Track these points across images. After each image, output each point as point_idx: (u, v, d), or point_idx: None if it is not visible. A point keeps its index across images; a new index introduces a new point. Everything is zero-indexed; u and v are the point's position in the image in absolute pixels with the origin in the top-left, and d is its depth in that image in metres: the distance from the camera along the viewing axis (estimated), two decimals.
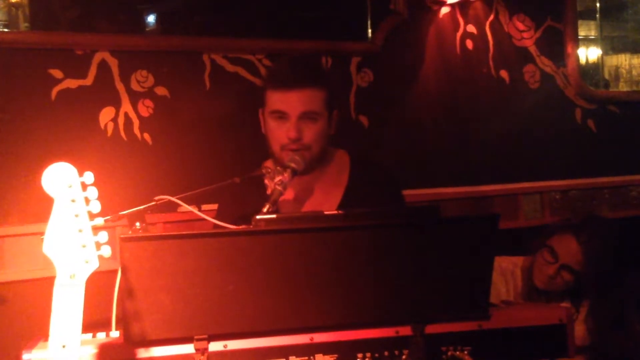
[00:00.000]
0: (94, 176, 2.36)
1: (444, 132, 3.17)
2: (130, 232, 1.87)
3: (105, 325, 1.57)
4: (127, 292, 1.39)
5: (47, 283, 1.44)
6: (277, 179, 1.95)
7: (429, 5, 3.10)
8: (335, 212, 1.46)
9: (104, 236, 1.18)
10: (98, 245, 1.18)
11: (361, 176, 2.20)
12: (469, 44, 3.22)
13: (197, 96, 2.64)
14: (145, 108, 2.54)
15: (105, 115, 2.48)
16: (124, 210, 1.99)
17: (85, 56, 2.45)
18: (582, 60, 3.75)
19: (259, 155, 2.19)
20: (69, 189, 1.17)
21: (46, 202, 2.32)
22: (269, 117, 2.09)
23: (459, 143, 3.19)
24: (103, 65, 2.47)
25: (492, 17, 3.26)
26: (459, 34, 3.19)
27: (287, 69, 2.10)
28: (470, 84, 3.22)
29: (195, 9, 2.72)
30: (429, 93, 3.14)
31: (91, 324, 1.42)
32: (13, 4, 2.54)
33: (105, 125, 2.49)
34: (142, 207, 1.92)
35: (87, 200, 1.19)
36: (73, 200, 1.17)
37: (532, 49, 3.35)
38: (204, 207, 2.59)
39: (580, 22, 3.54)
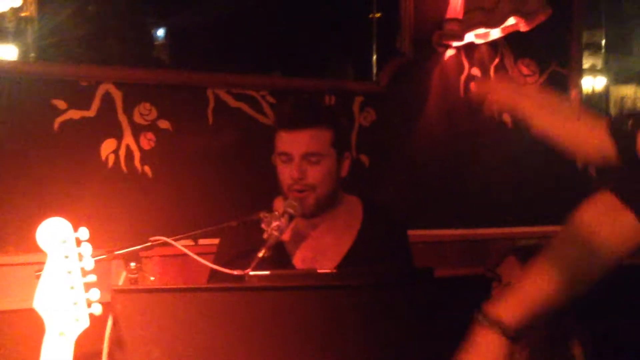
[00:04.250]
0: (95, 208, 2.38)
1: (445, 173, 3.17)
2: (124, 274, 1.88)
3: None
4: (117, 342, 1.38)
5: None
6: (274, 224, 1.95)
7: (434, 47, 3.12)
8: (329, 270, 1.46)
9: (95, 294, 1.18)
10: (89, 303, 1.18)
11: (373, 225, 2.20)
12: (473, 86, 3.22)
13: (200, 130, 2.65)
14: (147, 141, 2.55)
15: (107, 147, 2.49)
16: (120, 247, 2.01)
17: (90, 87, 2.45)
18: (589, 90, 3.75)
19: (260, 192, 2.21)
20: (62, 245, 1.17)
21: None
22: (277, 158, 2.12)
23: (459, 185, 3.19)
24: (107, 97, 2.48)
25: (497, 60, 3.27)
26: (463, 77, 3.20)
27: (291, 109, 2.13)
28: (472, 127, 3.22)
29: (201, 44, 2.74)
30: (432, 134, 3.14)
31: None
32: (22, 18, 2.55)
33: (107, 157, 2.49)
34: (137, 247, 1.92)
35: (80, 257, 1.19)
36: (66, 257, 1.17)
37: None
38: (202, 241, 2.61)
39: (586, 53, 3.53)
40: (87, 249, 1.21)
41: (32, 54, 2.52)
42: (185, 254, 2.29)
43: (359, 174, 2.95)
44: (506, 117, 3.29)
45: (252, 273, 1.45)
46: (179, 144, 2.61)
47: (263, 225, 1.98)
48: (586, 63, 3.64)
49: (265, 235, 1.95)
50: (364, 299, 1.47)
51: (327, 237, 2.16)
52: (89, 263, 1.21)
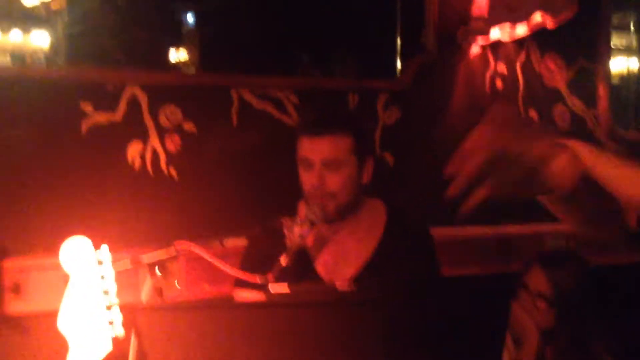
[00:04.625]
0: (121, 211, 2.42)
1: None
2: (148, 281, 1.91)
3: None
4: (140, 358, 1.41)
5: None
6: (296, 230, 1.97)
7: (459, 43, 3.10)
8: (348, 287, 1.47)
9: (118, 316, 1.21)
10: (112, 326, 1.20)
11: (396, 229, 2.20)
12: (499, 83, 3.21)
13: (225, 132, 2.67)
14: (173, 143, 2.57)
15: (134, 149, 2.52)
16: (146, 250, 2.05)
17: (116, 90, 2.48)
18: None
19: (286, 193, 2.21)
20: (85, 267, 1.19)
21: (72, 233, 2.38)
22: (299, 164, 2.12)
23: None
24: (133, 100, 2.50)
25: (523, 56, 3.25)
26: (489, 73, 3.18)
27: (313, 116, 2.14)
28: None
29: (225, 46, 2.76)
30: (457, 131, 3.12)
31: None
32: (54, 11, 2.59)
33: (133, 160, 2.52)
34: (162, 255, 1.95)
35: (102, 278, 1.21)
36: (89, 279, 1.20)
37: (563, 89, 3.33)
38: (228, 241, 2.65)
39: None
40: (108, 270, 1.23)
41: (63, 47, 2.57)
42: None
43: (383, 173, 2.96)
44: (533, 114, 3.28)
45: (273, 290, 1.46)
46: (204, 146, 2.63)
47: (285, 231, 2.00)
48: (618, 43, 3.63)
49: (287, 241, 1.97)
50: (385, 313, 1.48)
51: (349, 241, 2.16)
52: (111, 285, 1.24)
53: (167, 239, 2.50)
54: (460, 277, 3.01)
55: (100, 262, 1.24)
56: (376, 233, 2.18)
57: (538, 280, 2.41)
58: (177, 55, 2.86)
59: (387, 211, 2.23)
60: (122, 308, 1.33)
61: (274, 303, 1.45)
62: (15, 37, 2.57)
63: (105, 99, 2.47)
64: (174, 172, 2.58)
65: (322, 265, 2.14)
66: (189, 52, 2.88)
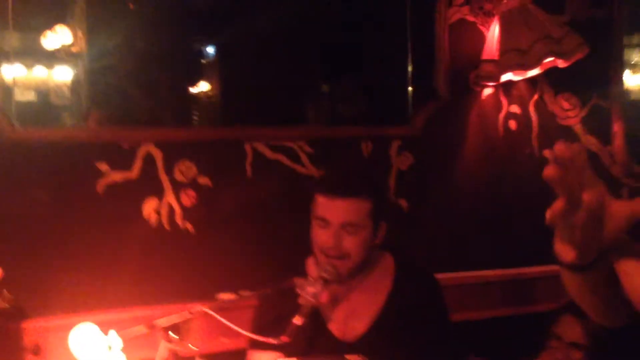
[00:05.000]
0: (139, 267, 2.44)
1: (486, 213, 3.16)
2: (163, 345, 1.93)
3: None
4: None
5: None
6: (310, 290, 1.99)
7: (471, 86, 3.11)
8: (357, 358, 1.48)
9: None
10: None
11: (405, 283, 2.22)
12: (512, 124, 3.21)
13: (239, 184, 2.70)
14: (188, 197, 2.60)
15: (149, 205, 2.55)
16: (162, 309, 2.07)
17: (131, 149, 2.52)
18: None
19: (300, 244, 2.22)
20: (94, 352, 1.21)
21: (90, 293, 2.41)
22: (314, 220, 2.14)
23: (501, 224, 3.18)
24: (148, 157, 2.54)
25: (536, 96, 3.25)
26: (502, 115, 3.19)
27: (335, 177, 2.15)
28: (513, 165, 3.21)
29: (236, 99, 2.80)
30: (471, 174, 3.14)
31: None
32: (73, 53, 2.65)
33: (149, 216, 2.55)
34: (175, 317, 1.97)
35: None
36: None
37: (577, 128, 3.33)
38: (243, 292, 2.66)
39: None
40: (118, 354, 1.25)
41: (85, 84, 2.65)
42: (227, 310, 2.33)
43: (398, 219, 2.97)
44: (547, 154, 3.27)
45: None
46: (219, 199, 2.66)
47: (298, 290, 2.02)
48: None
49: (300, 301, 1.99)
50: None
51: (359, 297, 2.18)
52: None
53: (185, 292, 2.56)
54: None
55: (109, 348, 1.26)
56: (384, 288, 2.20)
57: (572, 330, 2.37)
58: (197, 88, 2.91)
59: (395, 264, 2.24)
60: None
61: None
62: (38, 73, 2.62)
63: (121, 158, 2.50)
64: (189, 226, 2.61)
65: (334, 323, 2.15)
66: (210, 87, 2.92)
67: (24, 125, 2.39)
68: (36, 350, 2.35)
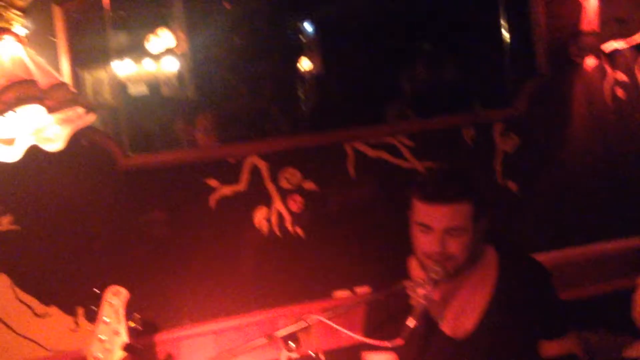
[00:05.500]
0: (256, 274, 2.54)
1: (601, 185, 3.08)
2: (284, 354, 2.02)
3: None
4: None
5: None
6: (420, 292, 2.02)
7: (572, 59, 3.02)
8: None
9: None
10: None
11: (510, 273, 2.21)
12: (620, 92, 3.10)
13: (344, 185, 2.75)
14: (295, 203, 2.68)
15: (260, 215, 2.65)
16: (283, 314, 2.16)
17: (237, 163, 2.62)
18: None
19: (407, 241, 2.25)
20: None
21: (213, 302, 2.55)
22: (414, 224, 2.15)
23: (616, 195, 3.09)
24: (254, 169, 2.63)
25: None
26: (608, 84, 3.08)
27: (434, 183, 2.14)
28: (625, 134, 3.11)
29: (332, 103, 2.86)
30: (581, 149, 3.06)
31: None
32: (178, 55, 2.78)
33: (260, 224, 2.65)
34: (293, 327, 2.06)
35: None
36: None
37: None
38: (357, 289, 2.74)
39: None
40: None
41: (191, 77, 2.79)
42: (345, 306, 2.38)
43: (509, 202, 2.95)
44: None
45: None
46: (325, 202, 2.73)
47: (409, 292, 2.06)
48: None
49: (412, 302, 2.03)
50: None
51: (467, 293, 2.19)
52: None
53: (302, 294, 2.65)
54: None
55: None
56: (490, 281, 2.20)
57: None
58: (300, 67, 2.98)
59: (498, 256, 2.23)
60: None
61: None
62: (148, 66, 2.74)
63: (229, 172, 2.61)
64: (299, 231, 2.69)
65: (445, 321, 2.18)
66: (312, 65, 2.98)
67: (135, 148, 2.53)
68: None
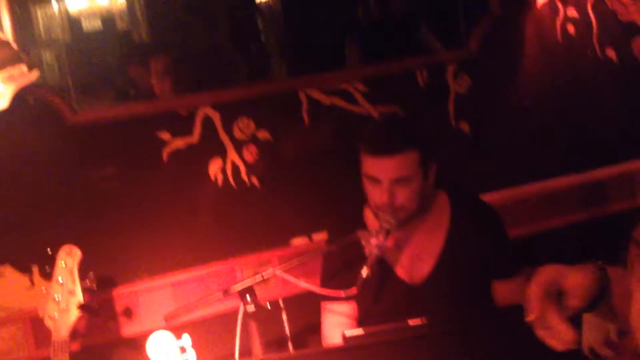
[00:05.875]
0: (213, 225, 2.54)
1: (551, 123, 3.12)
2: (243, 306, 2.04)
3: None
4: None
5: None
6: (373, 242, 2.04)
7: None
8: (420, 321, 1.54)
9: None
10: None
11: (462, 217, 2.26)
12: (571, 28, 3.11)
13: (298, 133, 2.74)
14: (250, 154, 2.67)
15: (214, 166, 2.63)
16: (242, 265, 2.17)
17: (189, 115, 2.59)
18: None
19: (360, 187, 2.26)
20: (168, 356, 1.31)
21: (171, 255, 2.55)
22: (364, 177, 2.16)
23: (568, 132, 3.13)
24: (206, 120, 2.60)
25: None
26: (559, 21, 3.09)
27: (378, 136, 2.15)
28: (575, 70, 3.14)
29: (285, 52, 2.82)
30: (532, 87, 3.08)
31: None
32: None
33: (215, 176, 2.64)
34: (250, 281, 2.07)
35: None
36: None
37: None
38: (315, 236, 2.76)
39: None
40: (191, 355, 1.35)
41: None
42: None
43: (462, 143, 2.97)
44: (610, 53, 3.18)
45: (348, 335, 1.55)
46: (280, 151, 2.72)
47: (362, 243, 2.08)
48: None
49: (366, 252, 2.05)
50: (456, 346, 1.55)
51: (420, 238, 2.23)
52: None
53: (260, 242, 2.66)
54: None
55: (183, 350, 1.36)
56: (444, 225, 2.24)
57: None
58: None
59: (450, 200, 2.27)
60: None
61: (351, 347, 1.54)
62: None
63: (181, 124, 2.57)
64: (255, 181, 2.69)
65: (401, 268, 2.22)
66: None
67: (84, 100, 2.49)
68: (128, 313, 2.52)
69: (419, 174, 2.10)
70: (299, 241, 2.75)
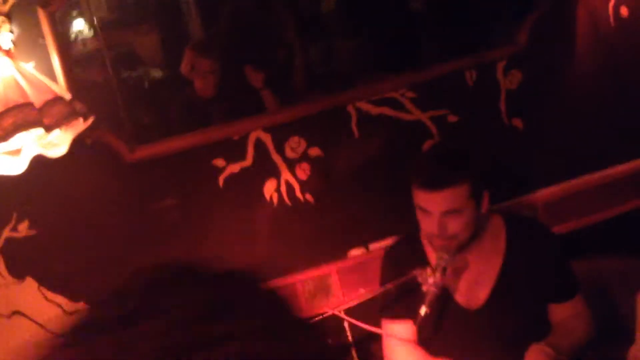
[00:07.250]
0: (273, 244, 2.61)
1: (608, 113, 3.05)
2: None
3: None
4: None
5: None
6: (430, 280, 2.08)
7: None
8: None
9: None
10: None
11: (518, 240, 2.26)
12: (624, 10, 3.01)
13: (348, 147, 2.76)
14: (303, 171, 2.71)
15: (269, 187, 2.68)
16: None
17: (241, 139, 2.63)
18: None
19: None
20: None
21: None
22: (416, 207, 2.18)
23: (624, 120, 3.06)
24: (258, 143, 2.64)
25: None
26: (611, 4, 2.99)
27: (427, 170, 2.15)
28: (631, 54, 3.04)
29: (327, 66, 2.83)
30: (587, 76, 3.01)
31: None
32: None
33: (270, 197, 2.69)
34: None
35: None
36: None
37: None
38: (371, 245, 2.80)
39: None
40: None
41: None
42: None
43: (515, 140, 2.94)
44: None
45: None
46: (332, 165, 2.74)
47: (419, 280, 2.12)
48: None
49: (423, 289, 2.09)
50: None
51: (477, 263, 2.24)
52: None
53: (319, 256, 2.72)
54: None
55: None
56: (499, 249, 2.25)
57: None
58: None
59: (506, 225, 2.27)
60: None
61: None
62: None
63: (234, 150, 2.62)
64: (309, 197, 2.73)
65: (458, 293, 2.25)
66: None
67: (138, 136, 2.55)
68: None
69: (471, 204, 2.11)
70: (356, 252, 2.80)
